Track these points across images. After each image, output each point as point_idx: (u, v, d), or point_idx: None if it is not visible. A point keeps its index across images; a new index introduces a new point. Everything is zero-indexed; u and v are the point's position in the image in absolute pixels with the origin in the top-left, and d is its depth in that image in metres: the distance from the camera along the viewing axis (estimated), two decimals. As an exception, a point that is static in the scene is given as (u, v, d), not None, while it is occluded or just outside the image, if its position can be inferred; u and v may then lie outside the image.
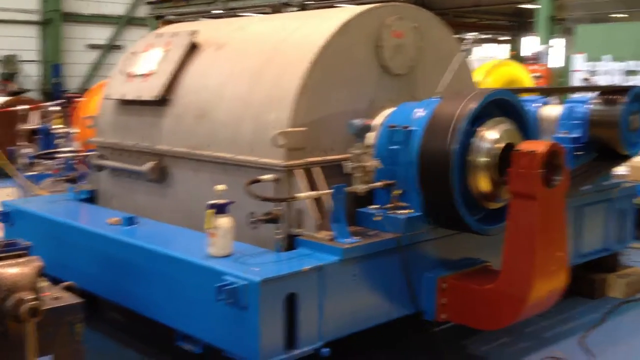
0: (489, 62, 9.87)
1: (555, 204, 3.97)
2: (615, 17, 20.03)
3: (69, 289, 2.70)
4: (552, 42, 16.24)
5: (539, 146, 3.84)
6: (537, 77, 8.86)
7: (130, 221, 4.60)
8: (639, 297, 5.82)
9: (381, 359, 4.54)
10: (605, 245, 5.81)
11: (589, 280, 5.82)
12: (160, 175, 4.89)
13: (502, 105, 4.24)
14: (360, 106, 4.39)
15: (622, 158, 5.59)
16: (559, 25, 17.10)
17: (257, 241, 4.03)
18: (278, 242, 3.96)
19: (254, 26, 5.11)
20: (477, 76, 7.09)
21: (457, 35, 5.12)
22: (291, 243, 4.00)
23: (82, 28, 25.91)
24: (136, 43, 5.60)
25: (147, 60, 5.14)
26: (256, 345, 3.43)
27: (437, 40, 4.83)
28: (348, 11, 4.45)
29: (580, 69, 14.68)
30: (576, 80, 14.44)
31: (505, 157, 3.95)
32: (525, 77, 9.60)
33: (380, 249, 3.95)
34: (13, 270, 2.42)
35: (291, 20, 4.85)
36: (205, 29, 5.12)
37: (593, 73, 14.57)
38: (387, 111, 4.42)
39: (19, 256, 2.51)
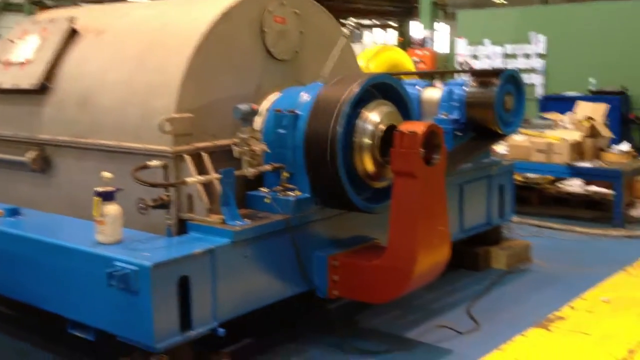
0: (372, 48, 10.12)
1: (435, 181, 4.17)
2: (497, 2, 21.00)
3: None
4: (436, 27, 16.85)
5: (418, 127, 4.02)
6: (417, 62, 9.22)
7: (13, 212, 4.46)
8: (520, 268, 6.17)
9: (278, 337, 4.65)
10: (488, 219, 6.12)
11: (473, 253, 6.12)
12: (43, 165, 4.75)
13: (384, 88, 4.41)
14: (246, 91, 4.43)
15: (499, 137, 5.95)
16: (442, 10, 17.76)
17: (148, 227, 4.01)
18: (169, 227, 3.96)
19: (136, 12, 5.01)
20: (361, 61, 7.25)
21: (342, 21, 5.25)
22: (183, 228, 4.02)
23: (-48, 14, 24.44)
24: (12, 30, 5.39)
25: (23, 47, 4.96)
26: (150, 328, 3.44)
27: (320, 26, 4.93)
28: (229, -2, 4.47)
29: (463, 53, 15.31)
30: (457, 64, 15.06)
31: (387, 138, 4.11)
32: (407, 61, 9.93)
33: (271, 230, 4.03)
34: None
35: (174, 7, 4.81)
36: (85, 15, 5.00)
37: (475, 57, 15.25)
38: (273, 96, 4.50)
39: None
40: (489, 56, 14.91)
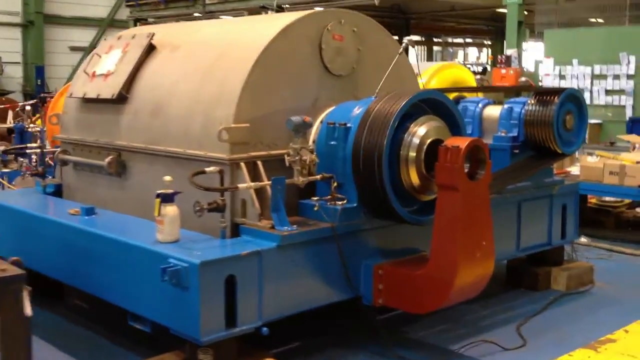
0: (435, 65, 10.19)
1: (479, 195, 4.27)
2: (592, 21, 20.40)
3: (15, 263, 3.00)
4: (524, 46, 16.66)
5: (462, 142, 4.15)
6: (479, 80, 9.27)
7: (88, 211, 4.90)
8: (581, 290, 6.08)
9: (325, 342, 4.85)
10: (548, 239, 6.06)
11: (532, 273, 6.09)
12: (119, 169, 5.17)
13: (435, 104, 4.57)
14: (303, 105, 4.69)
15: (559, 156, 5.93)
16: (530, 29, 17.54)
17: (204, 229, 4.32)
18: (223, 230, 4.25)
19: (207, 29, 5.42)
20: (424, 79, 7.38)
21: (411, 38, 5.39)
22: (236, 232, 4.31)
23: (64, 30, 26.16)
24: (99, 45, 5.90)
25: (107, 61, 5.43)
26: (197, 322, 3.73)
27: (377, 43, 5.14)
28: (291, 16, 4.75)
29: (549, 73, 15.07)
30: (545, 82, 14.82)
31: (434, 153, 4.26)
32: (470, 78, 9.93)
33: (317, 237, 4.25)
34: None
35: (241, 24, 5.17)
36: (162, 32, 5.43)
37: (562, 77, 14.98)
38: (329, 109, 4.74)
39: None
40: (577, 76, 14.62)
